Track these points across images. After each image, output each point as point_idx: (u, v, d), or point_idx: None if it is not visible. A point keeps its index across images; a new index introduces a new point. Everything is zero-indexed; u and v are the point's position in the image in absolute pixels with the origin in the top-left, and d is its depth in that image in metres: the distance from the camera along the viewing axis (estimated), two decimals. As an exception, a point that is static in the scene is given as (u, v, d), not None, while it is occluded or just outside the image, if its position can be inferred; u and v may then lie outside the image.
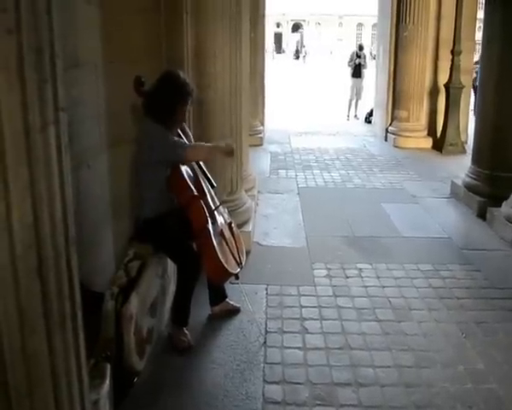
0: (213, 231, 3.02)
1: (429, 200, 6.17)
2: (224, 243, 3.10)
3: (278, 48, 58.51)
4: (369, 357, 3.01)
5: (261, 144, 9.09)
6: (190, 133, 3.34)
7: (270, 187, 6.60)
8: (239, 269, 3.17)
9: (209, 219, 3.03)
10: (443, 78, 9.31)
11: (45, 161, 1.28)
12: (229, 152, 3.14)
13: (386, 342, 3.17)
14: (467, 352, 3.09)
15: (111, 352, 2.53)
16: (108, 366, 2.40)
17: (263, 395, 2.68)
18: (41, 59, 1.25)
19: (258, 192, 6.10)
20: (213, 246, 2.95)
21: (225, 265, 2.98)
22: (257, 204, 5.66)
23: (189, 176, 3.09)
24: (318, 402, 2.63)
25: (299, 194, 6.38)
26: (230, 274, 3.09)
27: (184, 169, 3.08)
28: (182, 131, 3.19)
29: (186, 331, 3.12)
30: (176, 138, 2.99)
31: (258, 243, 4.73)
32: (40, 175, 1.27)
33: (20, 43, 1.17)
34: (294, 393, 2.70)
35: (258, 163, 7.63)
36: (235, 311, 3.47)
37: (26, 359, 1.30)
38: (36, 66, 1.22)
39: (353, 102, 13.15)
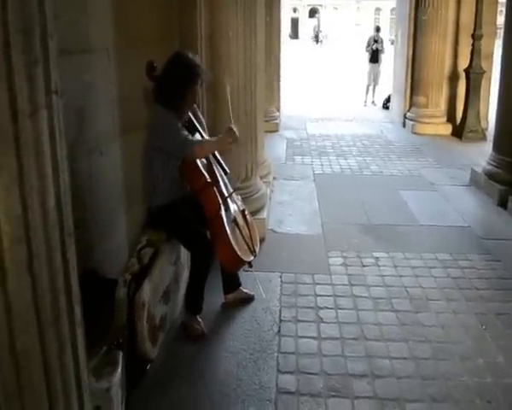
0: (226, 218, 2.98)
1: (448, 187, 6.04)
2: (238, 231, 3.06)
3: (294, 33, 57.91)
4: (385, 348, 2.95)
5: (277, 130, 9.00)
6: (202, 117, 3.27)
7: (285, 173, 6.52)
8: (252, 257, 3.13)
9: (222, 206, 2.98)
10: (463, 63, 9.09)
11: (36, 147, 1.20)
12: (235, 139, 3.05)
13: (402, 333, 3.10)
14: (486, 344, 3.01)
15: (123, 339, 2.51)
16: (120, 354, 2.37)
17: (276, 384, 2.64)
18: (30, 39, 1.16)
19: (274, 178, 6.03)
20: (226, 233, 2.91)
21: (238, 252, 2.94)
22: (272, 191, 5.59)
23: (201, 162, 3.04)
24: (333, 393, 2.58)
25: (314, 180, 6.30)
26: (243, 262, 3.05)
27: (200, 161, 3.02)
28: (193, 114, 3.13)
29: (199, 319, 3.09)
30: (185, 133, 2.89)
31: (272, 231, 4.67)
32: (30, 163, 1.19)
33: (5, 23, 1.09)
34: (308, 383, 2.65)
35: (274, 149, 7.56)
36: (248, 299, 3.43)
37: (15, 357, 1.24)
38: (24, 47, 1.14)
39: (371, 88, 12.94)
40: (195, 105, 3.17)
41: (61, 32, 2.63)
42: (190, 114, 3.10)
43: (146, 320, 2.64)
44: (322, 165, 7.04)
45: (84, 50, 2.93)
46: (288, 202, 5.45)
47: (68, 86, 2.75)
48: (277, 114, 9.42)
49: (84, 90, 2.88)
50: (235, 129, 3.03)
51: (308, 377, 2.70)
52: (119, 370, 2.32)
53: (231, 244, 2.90)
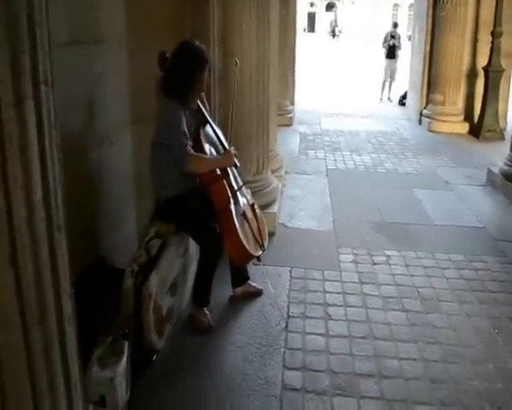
0: (235, 211, 2.94)
1: (464, 187, 5.94)
2: (247, 225, 3.02)
3: (311, 27, 57.53)
4: (394, 348, 2.90)
5: (291, 124, 8.94)
6: (207, 107, 3.21)
7: (298, 168, 6.47)
8: (261, 251, 3.09)
9: (231, 199, 2.95)
10: (482, 60, 8.93)
11: (21, 138, 1.17)
12: (230, 162, 3.04)
13: (412, 333, 3.04)
14: (498, 349, 2.94)
15: (129, 329, 2.50)
16: (126, 344, 2.36)
17: (282, 380, 2.61)
18: (15, 28, 1.13)
19: (286, 173, 5.98)
20: (235, 227, 2.87)
21: (247, 246, 2.91)
22: (284, 185, 5.55)
23: (211, 155, 3.00)
24: (339, 392, 2.54)
25: (327, 176, 6.24)
26: (252, 256, 3.02)
27: (208, 148, 2.99)
28: (200, 101, 3.08)
29: (206, 312, 3.06)
30: (187, 142, 2.81)
31: (283, 225, 4.63)
32: (14, 154, 1.15)
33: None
34: (314, 381, 2.61)
35: (287, 143, 7.50)
36: (257, 293, 3.40)
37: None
38: (9, 36, 1.10)
39: (387, 84, 12.80)
40: (203, 94, 3.11)
41: (71, 22, 2.63)
42: (199, 102, 3.05)
43: (152, 311, 2.62)
44: (335, 160, 6.97)
45: (96, 41, 2.91)
46: (299, 197, 5.40)
47: (79, 76, 2.74)
48: (291, 108, 9.35)
49: (95, 81, 2.86)
50: (233, 152, 3.03)
51: (314, 374, 2.66)
52: (124, 360, 2.30)
53: (240, 238, 2.87)
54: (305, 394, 2.52)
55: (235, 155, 3.06)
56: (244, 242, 2.89)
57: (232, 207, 2.93)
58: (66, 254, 1.42)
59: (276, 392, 2.52)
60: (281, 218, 4.72)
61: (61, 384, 1.39)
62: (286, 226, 4.62)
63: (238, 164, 3.13)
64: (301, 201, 5.28)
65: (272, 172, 5.02)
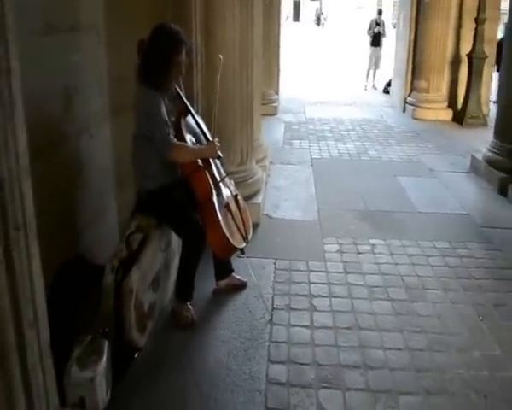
0: (218, 203, 2.89)
1: (448, 174, 5.95)
2: (230, 217, 2.97)
3: (296, 15, 57.21)
4: (380, 338, 2.88)
5: (275, 114, 8.88)
6: (183, 91, 3.12)
7: (282, 158, 6.42)
8: (245, 244, 3.05)
9: (214, 190, 2.89)
10: (465, 47, 8.93)
11: None
12: (213, 154, 2.97)
13: (397, 322, 3.03)
14: (483, 336, 2.94)
15: (110, 327, 2.43)
16: (106, 343, 2.30)
17: (266, 375, 2.57)
18: None
19: (271, 163, 5.93)
20: (218, 219, 2.82)
21: (230, 239, 2.86)
22: (268, 175, 5.50)
23: (193, 145, 2.94)
24: (324, 385, 2.51)
25: (312, 165, 6.20)
26: (235, 249, 2.97)
27: (189, 138, 2.92)
28: (178, 87, 3.01)
29: (190, 306, 3.01)
30: (168, 130, 2.73)
31: (267, 216, 4.59)
32: None
33: None
34: (299, 374, 2.58)
35: (272, 133, 7.45)
36: (241, 286, 3.35)
37: None
38: None
39: (371, 72, 12.77)
40: (181, 81, 3.03)
41: (47, 9, 2.54)
42: (177, 88, 2.98)
43: (134, 308, 2.56)
44: (320, 149, 6.93)
45: (73, 28, 2.82)
46: (284, 187, 5.36)
47: (55, 66, 2.65)
48: (276, 97, 9.28)
49: (72, 70, 2.77)
50: (217, 143, 2.96)
51: (299, 367, 2.63)
52: (104, 359, 2.25)
53: (223, 230, 2.82)
54: (290, 388, 2.49)
55: (219, 147, 2.99)
56: (227, 234, 2.84)
57: (215, 198, 2.87)
58: (35, 253, 1.35)
59: (261, 387, 2.48)
60: (265, 208, 4.67)
61: (19, 393, 1.32)
62: (270, 217, 4.58)
63: (221, 155, 3.07)
64: (286, 191, 5.24)
65: (257, 162, 4.97)
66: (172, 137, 2.76)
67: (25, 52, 2.31)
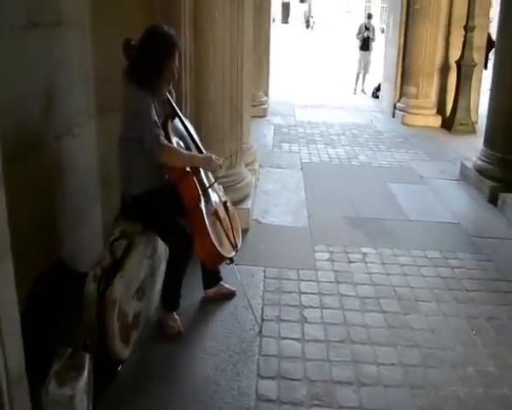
0: (206, 210, 2.76)
1: (437, 181, 5.90)
2: (218, 224, 2.85)
3: (285, 17, 57.22)
4: (372, 353, 2.79)
5: (265, 116, 8.79)
6: (174, 95, 3.00)
7: (272, 161, 6.32)
8: (234, 253, 2.93)
9: (202, 197, 2.77)
10: (454, 54, 8.93)
11: None
12: (209, 164, 2.89)
13: (390, 336, 2.94)
14: (477, 351, 2.87)
15: (91, 340, 2.31)
16: (87, 357, 2.17)
17: (256, 391, 2.46)
18: None
19: (260, 166, 5.83)
20: (206, 227, 2.70)
21: (218, 248, 2.73)
22: (258, 179, 5.39)
23: (179, 147, 2.81)
24: (316, 402, 2.41)
25: (302, 169, 6.12)
26: (224, 258, 2.85)
27: (175, 141, 2.79)
28: (169, 92, 2.89)
29: (176, 316, 2.89)
30: (158, 131, 2.61)
31: (257, 221, 4.48)
32: None
33: None
34: (290, 390, 2.48)
35: (261, 136, 7.34)
36: (229, 295, 3.24)
37: None
38: None
39: (360, 76, 12.75)
40: (171, 87, 2.92)
41: (28, 4, 2.40)
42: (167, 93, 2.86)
43: (117, 319, 2.44)
44: (309, 153, 6.85)
45: (56, 24, 2.68)
46: (273, 192, 5.26)
47: (37, 63, 2.51)
48: (265, 98, 9.18)
49: (55, 68, 2.63)
50: (214, 159, 2.89)
51: (290, 383, 2.53)
52: (85, 374, 2.12)
53: (211, 239, 2.69)
54: (280, 405, 2.38)
55: (217, 164, 2.91)
56: (215, 243, 2.72)
57: (203, 205, 2.75)
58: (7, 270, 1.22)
59: (250, 404, 2.37)
60: (254, 213, 4.57)
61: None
62: (260, 222, 4.48)
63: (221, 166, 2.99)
64: (275, 196, 5.14)
65: (246, 165, 4.86)
66: (163, 138, 2.64)
67: (1, 48, 2.20)
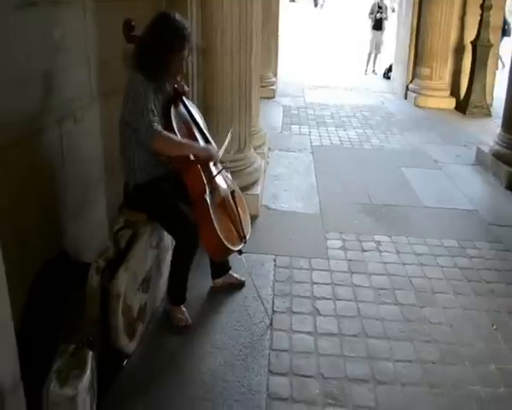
0: (213, 200, 2.61)
1: (453, 166, 5.71)
2: (226, 216, 2.71)
3: (294, -5, 56.33)
4: (389, 348, 2.66)
5: (273, 97, 8.59)
6: (184, 85, 2.84)
7: (281, 144, 6.15)
8: (242, 245, 2.79)
9: (207, 187, 2.61)
10: (470, 34, 8.65)
11: None
12: (211, 161, 2.69)
13: (407, 330, 2.81)
14: (499, 347, 2.73)
15: (94, 336, 2.19)
16: (90, 354, 2.05)
17: (267, 388, 2.35)
18: None
19: (269, 149, 5.67)
20: (211, 219, 2.54)
21: (225, 242, 2.58)
22: (267, 162, 5.24)
23: (183, 135, 2.62)
24: (330, 401, 2.29)
25: (312, 153, 5.95)
26: (231, 251, 2.72)
27: (177, 125, 2.60)
28: (180, 91, 2.74)
29: (183, 309, 2.77)
30: (153, 118, 2.43)
31: (266, 207, 4.35)
32: None
33: None
34: (303, 388, 2.36)
35: (270, 117, 7.17)
36: (238, 285, 3.12)
37: None
38: None
39: (372, 56, 12.46)
40: (181, 79, 2.76)
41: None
42: (175, 85, 2.71)
43: (122, 313, 2.33)
44: (320, 136, 6.67)
45: (54, 2, 2.51)
46: (283, 176, 5.11)
47: (33, 44, 2.36)
48: (274, 79, 8.96)
49: (54, 49, 2.47)
50: (218, 156, 2.73)
51: (303, 380, 2.41)
52: (88, 373, 2.00)
53: (217, 232, 2.54)
54: (292, 404, 2.27)
55: (218, 157, 2.72)
56: (222, 237, 2.56)
57: (208, 196, 2.59)
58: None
59: (261, 403, 2.26)
60: (264, 199, 4.43)
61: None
62: (269, 208, 4.34)
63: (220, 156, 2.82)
64: (285, 180, 4.99)
65: (255, 149, 4.71)
66: (157, 125, 2.45)
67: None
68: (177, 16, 2.55)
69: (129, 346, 2.45)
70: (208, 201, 2.57)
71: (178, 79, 2.76)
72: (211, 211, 2.55)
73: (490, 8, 8.25)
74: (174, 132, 2.56)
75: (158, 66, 2.48)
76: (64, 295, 2.39)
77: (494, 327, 2.90)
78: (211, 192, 2.63)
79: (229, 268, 3.13)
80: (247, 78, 4.08)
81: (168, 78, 2.60)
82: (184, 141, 2.60)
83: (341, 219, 4.18)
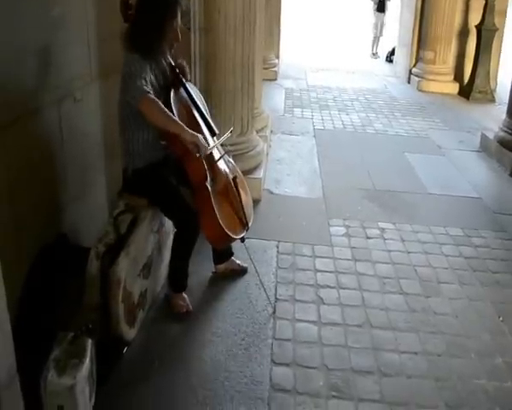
0: (214, 188, 2.53)
1: (457, 152, 5.63)
2: (227, 203, 2.63)
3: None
4: (394, 339, 2.61)
5: (275, 79, 8.46)
6: (186, 67, 2.72)
7: (284, 127, 6.06)
8: (244, 232, 2.72)
9: (208, 173, 2.52)
10: (474, 18, 8.50)
11: None
12: (196, 149, 2.42)
13: (412, 321, 2.76)
14: (505, 340, 2.68)
15: (93, 323, 2.13)
16: (89, 342, 1.99)
17: (270, 379, 2.30)
18: None
19: (271, 132, 5.58)
20: (212, 207, 2.47)
21: (226, 230, 2.51)
22: (269, 146, 5.15)
23: (183, 119, 2.48)
24: (334, 394, 2.24)
25: (315, 136, 5.86)
26: (233, 239, 2.65)
27: (177, 109, 2.48)
28: (177, 64, 2.63)
29: (185, 295, 2.71)
30: (144, 83, 2.30)
31: (269, 191, 4.27)
32: None
33: None
34: (306, 379, 2.31)
35: (272, 100, 7.07)
36: (241, 271, 3.06)
37: None
38: None
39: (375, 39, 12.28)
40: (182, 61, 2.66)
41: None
42: (170, 58, 2.60)
43: (122, 300, 2.26)
44: (322, 119, 6.57)
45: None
46: (286, 160, 5.03)
47: (32, 22, 2.25)
48: (276, 61, 8.82)
49: (53, 27, 2.37)
50: (202, 140, 2.43)
51: (306, 371, 2.36)
52: (87, 361, 1.95)
53: (218, 220, 2.47)
54: (296, 396, 2.22)
55: (204, 148, 2.44)
56: (223, 224, 2.49)
57: (209, 183, 2.51)
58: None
59: (264, 394, 2.21)
60: (266, 183, 4.35)
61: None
62: (272, 193, 4.26)
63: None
64: (288, 164, 4.91)
65: (257, 132, 4.62)
66: (148, 89, 2.30)
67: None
68: None
69: (129, 333, 2.39)
70: (209, 188, 2.49)
71: (180, 61, 2.65)
72: (212, 198, 2.47)
73: (495, -9, 8.11)
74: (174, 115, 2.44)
75: (153, 36, 2.38)
76: (63, 281, 2.32)
77: (500, 319, 2.85)
78: (212, 179, 2.54)
79: (232, 254, 3.06)
80: (250, 59, 3.98)
81: (164, 48, 2.49)
82: (170, 115, 2.39)
83: (345, 205, 4.11)
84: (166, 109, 2.38)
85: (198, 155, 2.41)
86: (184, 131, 2.39)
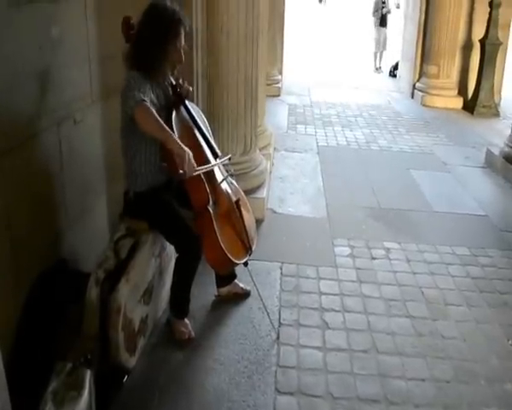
0: (216, 212, 2.49)
1: (462, 169, 5.58)
2: (230, 226, 2.59)
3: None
4: (401, 365, 2.55)
5: (279, 95, 8.45)
6: (189, 87, 2.69)
7: (287, 144, 6.03)
8: (247, 257, 2.68)
9: (211, 196, 2.48)
10: (478, 32, 8.47)
11: None
12: (181, 161, 2.25)
13: (419, 345, 2.70)
14: (515, 365, 2.62)
15: (92, 353, 2.08)
16: (88, 373, 1.95)
17: (274, 409, 2.24)
18: None
19: (275, 149, 5.55)
20: (214, 232, 2.43)
21: (228, 255, 2.47)
22: (272, 164, 5.12)
23: (184, 140, 2.36)
24: (340, 424, 2.19)
25: (318, 153, 5.82)
26: (235, 264, 2.61)
27: (178, 130, 2.42)
28: (179, 84, 2.59)
29: (187, 321, 2.66)
30: (142, 96, 2.24)
31: (272, 211, 4.23)
32: None
33: None
34: (311, 409, 2.25)
35: (275, 116, 7.04)
36: (244, 295, 3.01)
37: None
38: None
39: (378, 54, 12.28)
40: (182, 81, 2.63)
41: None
42: (172, 78, 2.57)
43: (122, 328, 2.21)
44: (326, 136, 6.54)
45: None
46: (289, 178, 4.99)
47: (31, 43, 2.23)
48: (279, 77, 8.82)
49: (52, 47, 2.35)
50: (190, 157, 2.27)
51: (311, 400, 2.30)
52: (86, 394, 1.90)
53: (220, 245, 2.43)
54: (301, 427, 2.16)
55: (192, 166, 2.29)
56: (225, 248, 2.45)
57: (211, 206, 2.47)
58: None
59: (268, 425, 2.16)
60: (269, 202, 4.31)
61: None
62: (275, 212, 4.22)
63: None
64: (291, 182, 4.87)
65: (260, 149, 4.59)
66: (144, 98, 2.24)
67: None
68: (167, 2, 2.41)
69: (129, 361, 2.34)
70: (211, 211, 2.45)
71: (181, 81, 2.63)
72: (214, 222, 2.43)
73: (499, 5, 8.09)
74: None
75: (154, 56, 2.35)
76: (62, 307, 2.28)
77: (509, 342, 2.78)
78: (214, 202, 2.51)
79: (235, 276, 3.02)
80: (254, 76, 3.96)
81: (166, 69, 2.45)
82: (163, 126, 2.27)
83: (349, 224, 4.06)
84: (160, 119, 2.29)
85: (181, 171, 2.24)
86: (173, 141, 2.26)
